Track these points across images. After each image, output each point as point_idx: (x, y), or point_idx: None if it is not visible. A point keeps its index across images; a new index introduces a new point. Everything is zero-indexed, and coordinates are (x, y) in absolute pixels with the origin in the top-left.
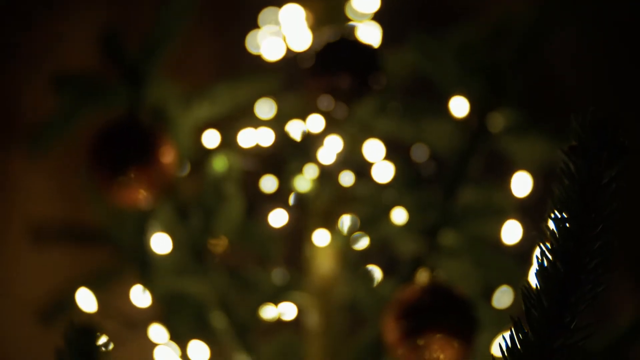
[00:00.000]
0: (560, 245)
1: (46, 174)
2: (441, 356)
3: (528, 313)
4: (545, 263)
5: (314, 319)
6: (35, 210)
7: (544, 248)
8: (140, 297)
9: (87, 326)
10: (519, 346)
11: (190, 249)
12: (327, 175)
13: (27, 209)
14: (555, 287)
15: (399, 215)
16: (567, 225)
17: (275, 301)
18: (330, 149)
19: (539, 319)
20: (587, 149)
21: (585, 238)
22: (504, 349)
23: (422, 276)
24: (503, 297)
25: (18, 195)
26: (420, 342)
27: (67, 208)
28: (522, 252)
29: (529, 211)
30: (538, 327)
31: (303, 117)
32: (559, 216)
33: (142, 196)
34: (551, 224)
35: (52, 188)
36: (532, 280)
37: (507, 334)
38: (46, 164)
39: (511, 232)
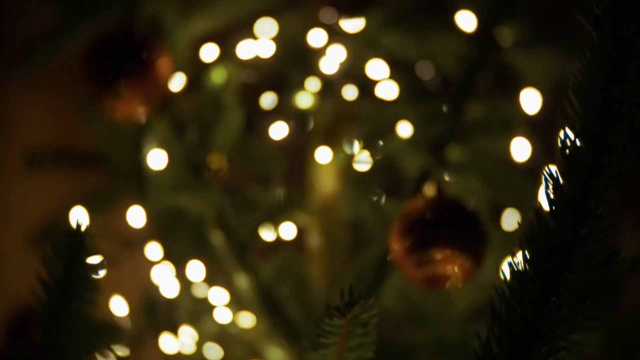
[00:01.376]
0: (584, 122)
1: (41, 103)
2: (449, 272)
3: (549, 199)
4: (568, 143)
5: (315, 239)
6: (30, 138)
7: (565, 128)
8: (136, 217)
9: (75, 231)
10: (539, 235)
11: (187, 164)
12: (330, 88)
13: (23, 138)
14: (579, 169)
15: (404, 130)
16: (592, 100)
17: (275, 220)
18: (333, 59)
19: (561, 205)
20: (613, 17)
21: (611, 115)
22: (524, 239)
23: (429, 190)
24: (512, 219)
25: (13, 124)
26: (428, 256)
27: (62, 135)
28: (531, 169)
29: (538, 129)
30: (560, 214)
31: (304, 35)
32: (583, 91)
33: (137, 109)
34: (574, 101)
35: (47, 117)
36: (553, 168)
37: (528, 221)
38: (41, 93)
39: (520, 149)
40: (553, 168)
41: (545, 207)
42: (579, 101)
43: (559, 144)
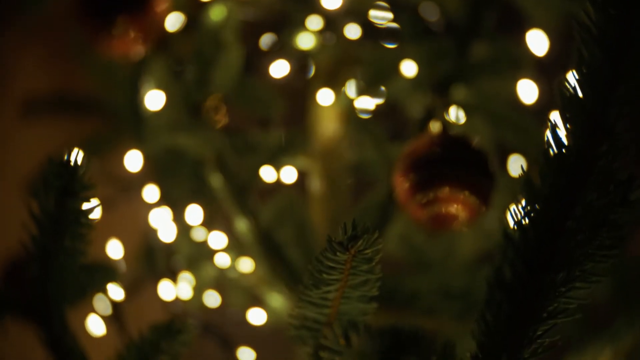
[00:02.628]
0: (602, 31)
1: (38, 50)
2: (455, 212)
3: (565, 116)
4: (584, 53)
5: (316, 183)
6: (27, 86)
7: (583, 36)
8: (133, 160)
9: (66, 162)
10: (554, 151)
11: (185, 104)
12: (332, 26)
13: (20, 86)
14: (598, 81)
15: (408, 69)
16: (608, 6)
17: (276, 163)
18: None
19: (580, 120)
20: None
21: (629, 22)
22: (542, 155)
23: (434, 128)
24: (518, 166)
25: (10, 72)
26: (433, 195)
27: (59, 82)
28: (539, 112)
29: (546, 71)
30: (578, 130)
31: None
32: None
33: (134, 47)
34: (591, 9)
35: (44, 65)
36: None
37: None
38: (38, 41)
39: (527, 91)
40: (571, 80)
41: (560, 125)
42: (596, 9)
43: (577, 56)
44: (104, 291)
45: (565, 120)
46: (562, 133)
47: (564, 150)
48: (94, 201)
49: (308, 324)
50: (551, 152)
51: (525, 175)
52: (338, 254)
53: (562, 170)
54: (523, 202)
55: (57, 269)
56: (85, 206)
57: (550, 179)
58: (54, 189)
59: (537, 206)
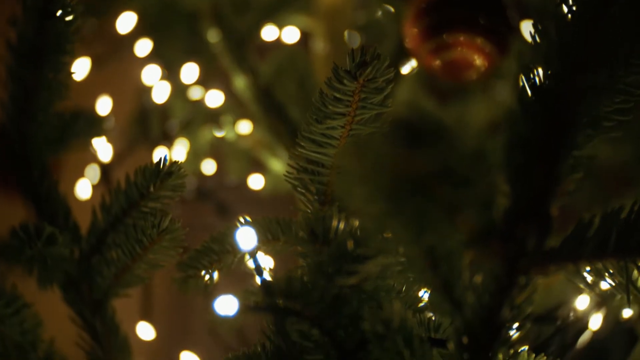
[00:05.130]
0: None
1: None
2: (470, 58)
3: None
4: None
5: (320, 44)
6: None
7: None
8: (127, 20)
9: None
10: None
11: None
12: None
13: None
14: None
15: None
16: None
17: (277, 21)
18: None
19: None
20: None
21: None
22: None
23: None
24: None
25: None
26: (446, 40)
27: None
28: None
29: None
30: None
31: None
32: None
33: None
34: None
35: None
36: None
37: None
38: None
39: None
40: None
41: None
42: None
43: None
44: (89, 142)
45: None
46: None
47: None
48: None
49: (309, 166)
50: None
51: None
52: (345, 82)
53: None
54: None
55: (37, 106)
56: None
57: None
58: (34, 12)
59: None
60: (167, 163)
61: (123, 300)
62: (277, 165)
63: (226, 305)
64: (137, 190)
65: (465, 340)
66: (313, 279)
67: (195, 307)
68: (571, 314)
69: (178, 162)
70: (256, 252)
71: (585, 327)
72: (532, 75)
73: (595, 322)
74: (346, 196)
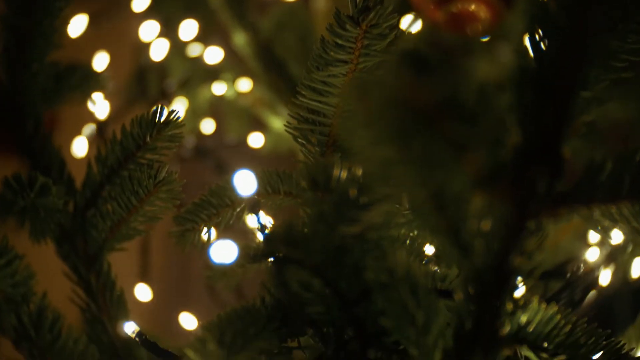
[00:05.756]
0: None
1: None
2: (475, 11)
3: None
4: None
5: (321, 1)
6: None
7: None
8: None
9: None
10: None
11: None
12: None
13: None
14: None
15: None
16: None
17: None
18: None
19: None
20: None
21: None
22: None
23: None
24: None
25: None
26: None
27: None
28: None
29: None
30: None
31: None
32: None
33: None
34: None
35: None
36: None
37: None
38: None
39: None
40: None
41: None
42: None
43: None
44: (85, 97)
45: None
46: None
47: None
48: None
49: (310, 116)
50: None
51: None
52: (348, 27)
53: None
54: None
55: (32, 56)
56: None
57: None
58: None
59: None
60: (163, 113)
61: (121, 263)
62: (278, 123)
63: (224, 252)
64: (133, 141)
65: (471, 290)
66: (314, 228)
67: (194, 269)
68: (580, 268)
69: (175, 111)
70: (256, 204)
71: (594, 282)
72: (543, 10)
73: (604, 278)
74: (350, 140)
